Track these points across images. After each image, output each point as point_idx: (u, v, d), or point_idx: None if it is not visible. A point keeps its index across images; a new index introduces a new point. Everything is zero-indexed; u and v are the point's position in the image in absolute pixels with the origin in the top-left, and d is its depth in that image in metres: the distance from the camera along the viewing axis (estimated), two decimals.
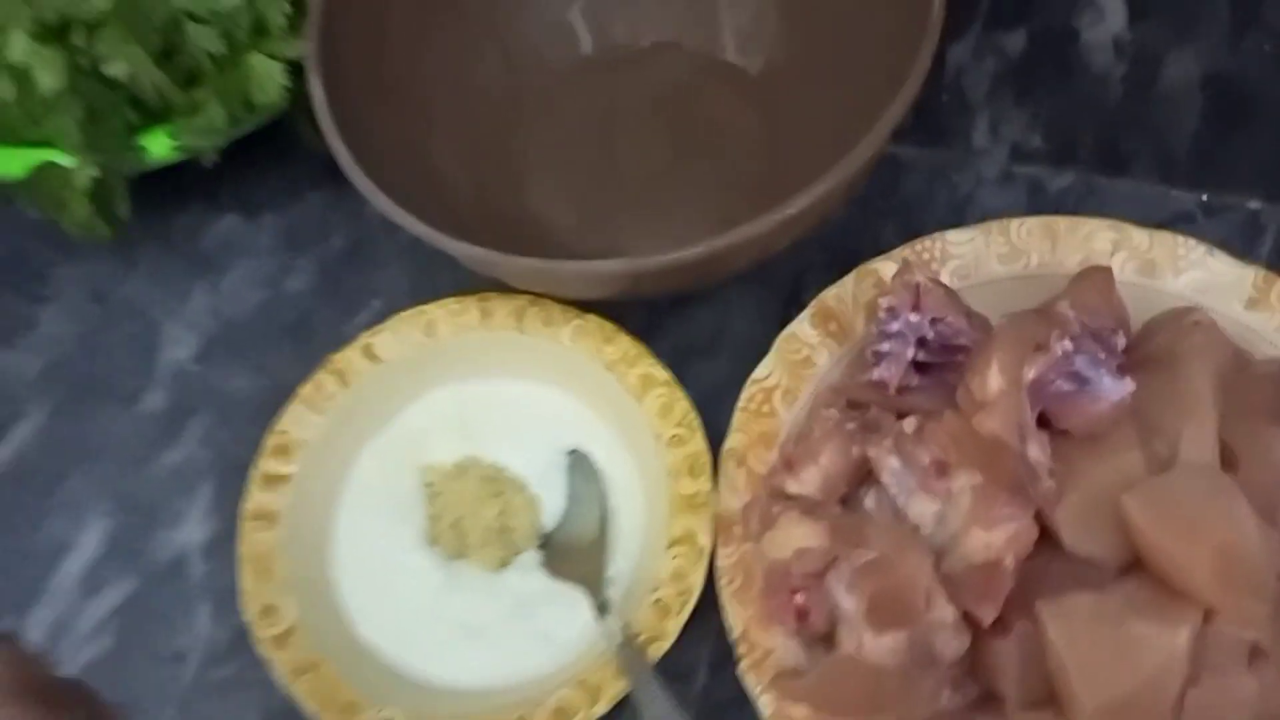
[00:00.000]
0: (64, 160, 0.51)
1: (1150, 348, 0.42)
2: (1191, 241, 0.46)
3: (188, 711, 0.47)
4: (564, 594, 0.44)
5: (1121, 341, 0.40)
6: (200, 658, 0.48)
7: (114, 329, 0.56)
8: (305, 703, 0.41)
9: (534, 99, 0.56)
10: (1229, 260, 0.45)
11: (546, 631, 0.44)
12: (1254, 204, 0.52)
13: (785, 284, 0.52)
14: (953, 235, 0.47)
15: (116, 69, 0.49)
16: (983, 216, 0.49)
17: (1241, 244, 0.50)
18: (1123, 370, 0.39)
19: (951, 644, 0.37)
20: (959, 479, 0.39)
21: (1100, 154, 0.54)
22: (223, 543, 0.50)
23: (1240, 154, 0.54)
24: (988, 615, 0.37)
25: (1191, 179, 0.53)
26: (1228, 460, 0.39)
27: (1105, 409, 0.38)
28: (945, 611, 0.36)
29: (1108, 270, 0.43)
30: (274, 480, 0.46)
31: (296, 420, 0.47)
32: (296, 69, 0.51)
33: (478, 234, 0.43)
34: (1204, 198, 0.52)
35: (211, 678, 0.47)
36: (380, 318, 0.50)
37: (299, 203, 0.58)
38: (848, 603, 0.38)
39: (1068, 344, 0.38)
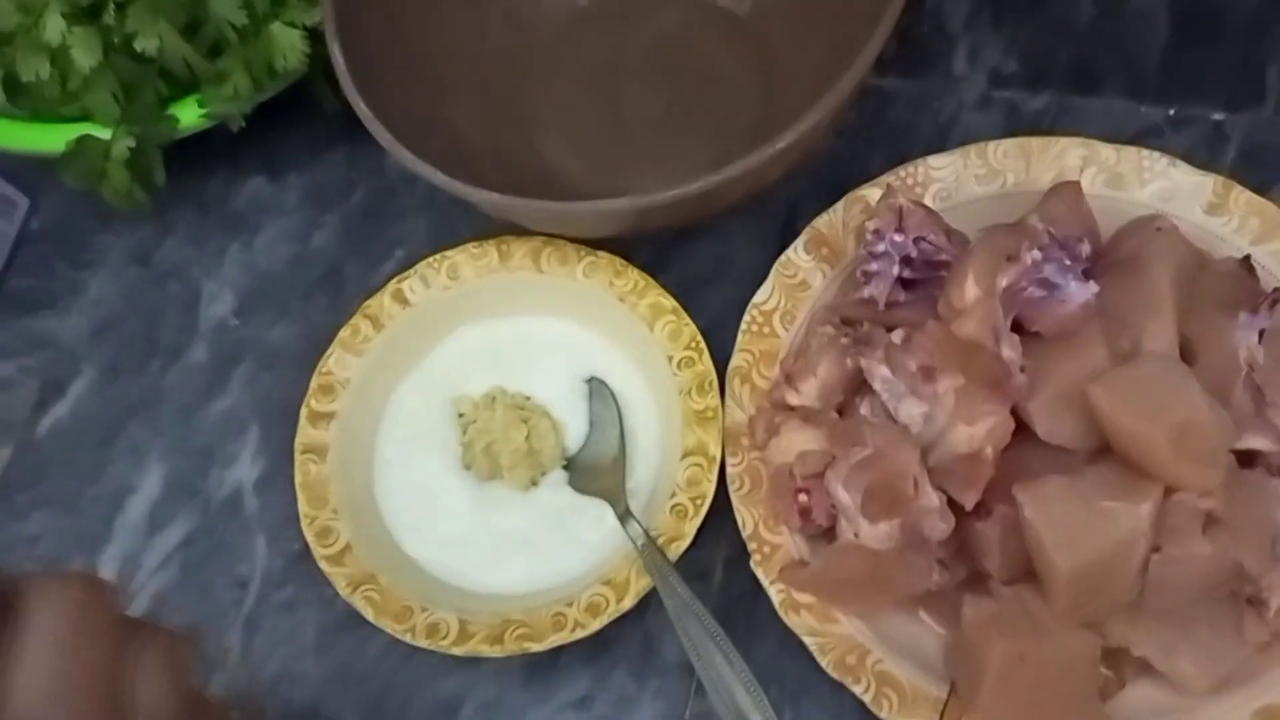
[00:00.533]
0: (100, 132, 0.55)
1: (1118, 253, 0.46)
2: (1156, 154, 0.49)
3: (253, 630, 0.51)
4: (590, 505, 0.48)
5: (1087, 249, 0.43)
6: (260, 583, 0.52)
7: (157, 289, 0.60)
8: (364, 610, 0.45)
9: (537, 54, 0.59)
10: (1190, 170, 0.48)
11: (576, 538, 0.47)
12: (1217, 115, 0.55)
13: (780, 215, 0.55)
14: (934, 160, 0.50)
15: (147, 44, 0.52)
16: (964, 140, 0.51)
17: (1206, 154, 0.53)
18: (1088, 275, 0.42)
19: (939, 527, 0.41)
20: (943, 382, 0.43)
21: (1073, 74, 0.57)
22: (273, 479, 0.54)
23: (1204, 68, 0.56)
24: (970, 500, 0.41)
25: (1159, 94, 0.56)
26: (1187, 352, 0.43)
27: (1073, 310, 0.41)
28: (931, 498, 0.40)
29: (1076, 184, 0.46)
30: (320, 417, 0.50)
31: (337, 362, 0.50)
32: (314, 35, 0.54)
33: (493, 184, 0.46)
34: (1171, 111, 0.55)
35: (272, 600, 0.51)
36: (404, 266, 0.53)
37: (320, 162, 0.62)
38: (845, 497, 0.42)
39: (1037, 253, 0.41)
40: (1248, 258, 0.45)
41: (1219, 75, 0.56)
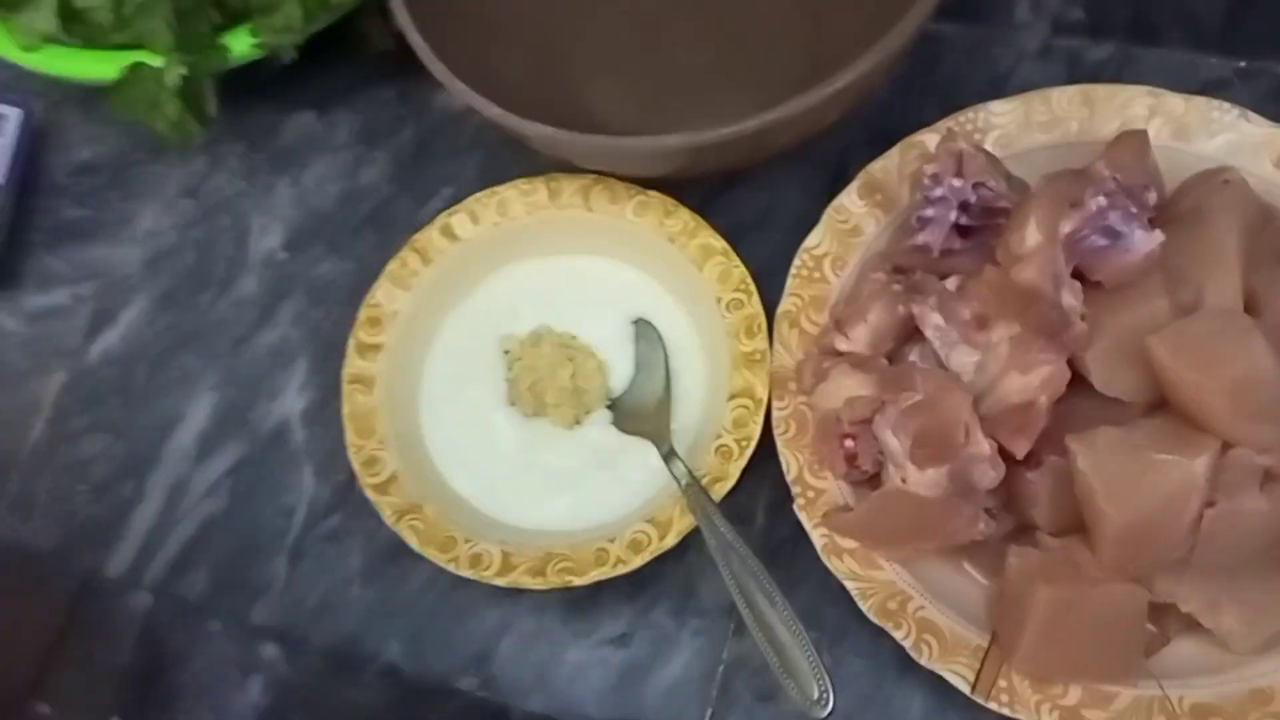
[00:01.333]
0: (152, 61, 0.55)
1: (1182, 206, 0.45)
2: (1225, 105, 0.47)
3: (298, 558, 0.52)
4: (636, 444, 0.48)
5: (1153, 197, 0.42)
6: (306, 512, 0.53)
7: (207, 222, 0.60)
8: (409, 539, 0.45)
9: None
10: (1262, 121, 0.47)
11: (621, 477, 0.48)
12: None
13: (830, 163, 0.54)
14: (995, 105, 0.49)
15: None
16: (1022, 90, 0.50)
17: (1276, 108, 0.51)
18: (1153, 224, 0.41)
19: (988, 474, 0.40)
20: (998, 330, 0.42)
21: (1138, 24, 0.55)
22: (319, 411, 0.54)
23: (1276, 20, 0.54)
24: (1021, 449, 0.40)
25: (1227, 46, 0.54)
26: (1252, 307, 0.42)
27: (1136, 260, 0.41)
28: (982, 445, 0.40)
29: (1143, 132, 0.45)
30: (368, 349, 0.50)
31: (386, 295, 0.51)
32: None
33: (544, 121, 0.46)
34: (1241, 63, 0.53)
35: (317, 529, 0.52)
36: (452, 204, 0.53)
37: (370, 100, 0.61)
38: (894, 443, 0.42)
39: (1102, 200, 0.40)
40: None
41: None
